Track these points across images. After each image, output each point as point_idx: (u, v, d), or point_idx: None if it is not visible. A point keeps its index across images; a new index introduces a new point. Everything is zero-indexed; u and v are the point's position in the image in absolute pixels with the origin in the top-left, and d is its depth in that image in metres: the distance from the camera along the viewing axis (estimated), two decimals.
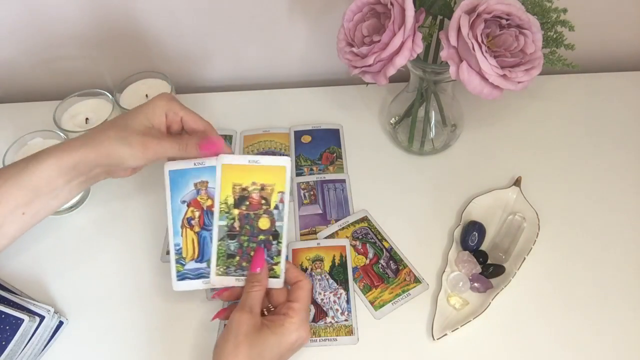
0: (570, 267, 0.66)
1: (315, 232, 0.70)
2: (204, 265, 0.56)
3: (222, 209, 0.56)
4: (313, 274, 0.66)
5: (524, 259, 0.64)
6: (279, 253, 0.56)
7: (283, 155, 0.62)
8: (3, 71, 0.87)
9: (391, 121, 0.80)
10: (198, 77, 0.91)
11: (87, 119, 0.74)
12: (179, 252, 0.56)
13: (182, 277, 0.56)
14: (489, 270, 0.64)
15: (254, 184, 0.56)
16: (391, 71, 0.60)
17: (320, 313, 0.63)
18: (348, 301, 0.63)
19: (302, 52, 0.89)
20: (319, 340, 0.60)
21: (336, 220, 0.71)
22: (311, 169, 0.77)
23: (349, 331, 0.61)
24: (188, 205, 0.57)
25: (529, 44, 0.58)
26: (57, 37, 0.82)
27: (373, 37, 0.61)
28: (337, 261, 0.67)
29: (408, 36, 0.58)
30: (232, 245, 0.56)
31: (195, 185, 0.57)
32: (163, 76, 0.77)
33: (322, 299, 0.64)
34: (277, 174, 0.56)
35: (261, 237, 0.56)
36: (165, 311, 0.63)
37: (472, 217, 0.69)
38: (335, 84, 0.89)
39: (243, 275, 0.55)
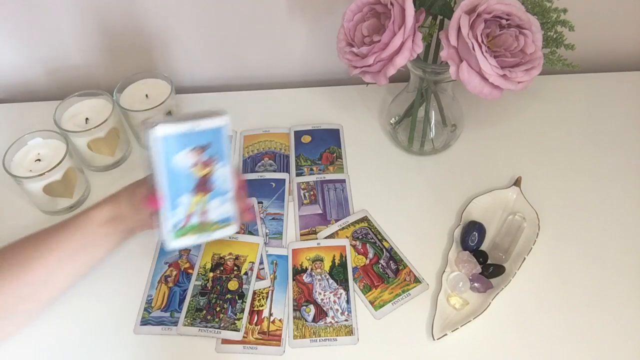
0: (570, 267, 0.66)
1: (315, 232, 0.70)
2: (167, 314, 0.63)
3: (199, 272, 0.65)
4: (313, 274, 0.66)
5: (524, 259, 0.64)
6: (242, 310, 0.62)
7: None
8: (3, 71, 0.87)
9: (391, 121, 0.80)
10: (198, 77, 0.91)
11: (87, 119, 0.74)
12: (149, 302, 0.64)
13: (145, 322, 0.62)
14: (489, 270, 0.64)
15: (230, 254, 0.66)
16: (391, 71, 0.60)
17: (320, 313, 0.63)
18: (348, 301, 0.63)
19: (302, 52, 0.89)
20: (319, 340, 0.61)
21: (336, 220, 0.71)
22: (311, 169, 0.77)
23: (349, 331, 0.61)
24: (169, 266, 0.67)
25: (529, 44, 0.58)
26: (57, 37, 0.82)
27: (373, 37, 0.61)
28: (337, 261, 0.67)
29: (408, 36, 0.58)
30: (202, 301, 0.63)
31: (180, 251, 0.68)
32: (163, 76, 0.77)
33: (322, 299, 0.64)
34: (251, 248, 0.66)
35: (228, 296, 0.63)
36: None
37: (472, 217, 0.69)
38: (335, 84, 0.89)
39: (206, 327, 0.61)
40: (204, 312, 0.62)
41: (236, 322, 0.61)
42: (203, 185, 0.57)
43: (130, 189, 0.60)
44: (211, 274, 0.65)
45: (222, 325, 0.61)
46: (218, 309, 0.62)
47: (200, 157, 0.55)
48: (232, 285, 0.64)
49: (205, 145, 0.55)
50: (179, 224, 0.56)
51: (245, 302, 0.63)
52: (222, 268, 0.66)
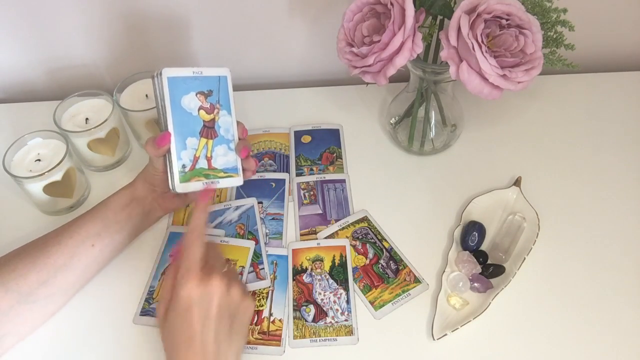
0: (570, 267, 0.66)
1: (315, 232, 0.70)
2: None
3: None
4: (313, 274, 0.66)
5: (524, 259, 0.64)
6: None
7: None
8: (3, 71, 0.87)
9: (391, 121, 0.80)
10: None
11: (87, 119, 0.74)
12: (151, 293, 0.64)
13: (145, 313, 0.63)
14: (489, 270, 0.64)
15: None
16: (391, 71, 0.60)
17: (320, 313, 0.63)
18: (348, 301, 0.63)
19: (302, 52, 0.89)
20: (319, 340, 0.61)
21: (336, 220, 0.71)
22: (311, 169, 0.77)
23: (349, 331, 0.61)
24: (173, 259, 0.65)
25: (529, 44, 0.58)
26: (58, 37, 0.82)
27: (373, 37, 0.61)
28: (337, 261, 0.67)
29: (408, 36, 0.58)
30: None
31: None
32: None
33: (322, 299, 0.64)
34: (242, 252, 0.67)
35: None
36: None
37: (472, 217, 0.69)
38: (335, 84, 0.89)
39: None
40: None
41: None
42: (208, 131, 0.61)
43: (144, 171, 0.64)
44: None
45: None
46: None
47: (205, 103, 0.60)
48: None
49: (209, 91, 0.60)
50: (187, 166, 0.59)
51: None
52: None
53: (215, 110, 0.61)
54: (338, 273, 0.66)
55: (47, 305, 0.60)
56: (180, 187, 0.59)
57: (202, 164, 0.60)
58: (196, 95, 0.59)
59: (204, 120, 0.60)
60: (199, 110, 0.60)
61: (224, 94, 0.62)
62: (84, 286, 0.63)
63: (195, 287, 0.50)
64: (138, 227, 0.66)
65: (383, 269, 0.66)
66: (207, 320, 0.50)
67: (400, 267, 0.66)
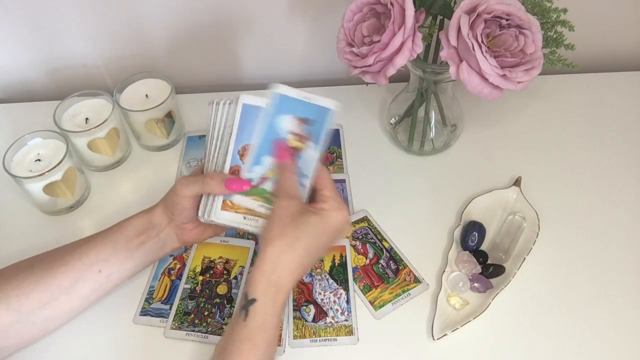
0: (570, 267, 0.66)
1: None
2: (167, 307, 0.63)
3: (189, 275, 0.65)
4: (313, 274, 0.66)
5: (524, 259, 0.64)
6: (230, 315, 0.62)
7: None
8: (3, 71, 0.87)
9: (391, 121, 0.80)
10: (198, 77, 0.91)
11: (87, 119, 0.74)
12: (151, 293, 0.64)
13: (145, 313, 0.63)
14: (489, 270, 0.64)
15: (220, 257, 0.66)
16: (391, 71, 0.60)
17: (320, 313, 0.63)
18: (348, 301, 0.63)
19: (301, 52, 0.89)
20: (319, 340, 0.60)
21: None
22: None
23: (349, 331, 0.61)
24: (174, 259, 0.67)
25: (529, 44, 0.58)
26: (57, 37, 0.82)
27: (373, 37, 0.61)
28: (337, 261, 0.67)
29: (408, 36, 0.58)
30: (190, 304, 0.63)
31: (185, 245, 0.67)
32: (163, 76, 0.77)
33: (322, 299, 0.64)
34: (242, 252, 0.67)
35: (217, 300, 0.63)
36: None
37: (472, 217, 0.69)
38: (335, 84, 0.89)
39: (193, 331, 0.61)
40: (192, 316, 0.62)
41: (224, 327, 0.61)
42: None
43: (165, 198, 0.62)
44: (200, 278, 0.65)
45: (209, 329, 0.61)
46: (206, 313, 0.62)
47: (299, 129, 0.58)
48: (221, 289, 0.64)
49: (308, 119, 0.59)
50: (253, 181, 0.58)
51: (234, 306, 0.62)
52: (211, 272, 0.65)
53: (306, 141, 0.58)
54: (338, 273, 0.66)
55: (47, 327, 0.58)
56: (235, 199, 0.58)
57: (267, 186, 0.58)
58: (294, 119, 0.58)
59: (289, 147, 0.58)
60: (290, 133, 0.58)
61: (321, 128, 0.59)
62: (85, 310, 0.60)
63: (348, 222, 0.57)
64: (150, 257, 0.62)
65: (383, 269, 0.66)
66: (334, 241, 0.57)
67: (400, 267, 0.66)
